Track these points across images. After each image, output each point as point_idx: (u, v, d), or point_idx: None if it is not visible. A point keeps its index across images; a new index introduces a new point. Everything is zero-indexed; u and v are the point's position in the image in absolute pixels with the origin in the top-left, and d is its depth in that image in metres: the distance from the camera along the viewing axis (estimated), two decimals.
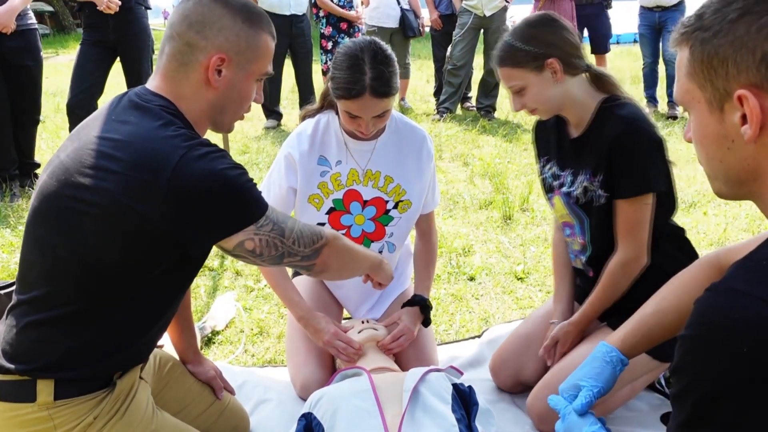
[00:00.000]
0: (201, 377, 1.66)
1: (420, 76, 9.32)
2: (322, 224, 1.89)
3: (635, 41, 9.32)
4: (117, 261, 1.17)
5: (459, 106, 6.65)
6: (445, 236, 3.22)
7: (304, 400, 1.64)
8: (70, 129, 4.09)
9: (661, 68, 6.11)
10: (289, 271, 2.08)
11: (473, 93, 6.83)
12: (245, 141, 5.50)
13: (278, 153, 1.91)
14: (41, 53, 3.86)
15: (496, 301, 2.61)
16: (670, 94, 6.17)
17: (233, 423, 1.70)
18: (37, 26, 3.84)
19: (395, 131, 1.91)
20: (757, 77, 0.76)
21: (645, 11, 6.00)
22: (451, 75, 6.17)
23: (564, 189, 1.78)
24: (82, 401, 1.22)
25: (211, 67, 1.24)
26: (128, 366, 1.31)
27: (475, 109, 6.59)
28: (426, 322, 1.95)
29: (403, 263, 2.15)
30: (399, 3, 6.30)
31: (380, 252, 1.94)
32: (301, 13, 5.86)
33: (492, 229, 3.36)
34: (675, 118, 5.92)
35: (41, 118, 4.34)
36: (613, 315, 1.75)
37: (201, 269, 1.45)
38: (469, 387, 1.55)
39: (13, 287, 1.41)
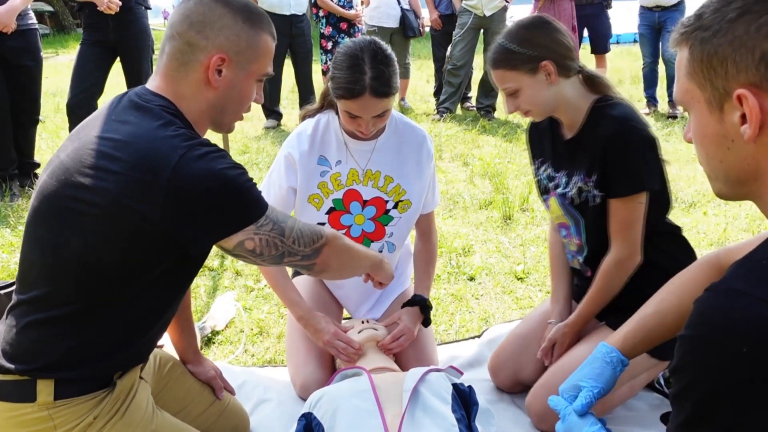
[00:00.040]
0: (201, 377, 1.66)
1: (420, 76, 9.32)
2: (322, 224, 1.89)
3: (635, 41, 9.32)
4: (117, 261, 1.17)
5: (459, 106, 6.65)
6: (445, 236, 3.22)
7: (304, 400, 1.64)
8: (70, 129, 4.09)
9: (661, 68, 6.11)
10: (289, 271, 2.08)
11: (473, 93, 6.83)
12: (245, 141, 5.50)
13: (278, 153, 1.91)
14: (41, 53, 3.86)
15: (495, 301, 2.61)
16: (670, 94, 6.17)
17: (233, 423, 1.70)
18: (37, 26, 3.84)
19: (395, 131, 1.91)
20: (757, 76, 0.76)
21: (645, 11, 6.00)
22: (451, 75, 6.18)
23: (559, 190, 1.79)
24: (82, 401, 1.22)
25: (212, 67, 1.24)
26: (128, 366, 1.31)
27: (475, 109, 6.59)
28: (426, 322, 1.95)
29: (403, 263, 2.15)
30: (399, 3, 6.30)
31: (380, 252, 1.94)
32: (301, 13, 5.86)
33: (492, 229, 3.36)
34: (675, 117, 5.92)
35: (41, 117, 4.35)
36: (611, 313, 1.77)
37: (201, 269, 1.46)
38: (469, 387, 1.55)
39: (13, 287, 1.41)
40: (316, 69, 6.55)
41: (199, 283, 2.76)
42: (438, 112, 6.26)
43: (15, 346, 1.21)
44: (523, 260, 2.96)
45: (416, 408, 1.43)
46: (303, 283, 2.06)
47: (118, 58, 4.08)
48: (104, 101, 1.39)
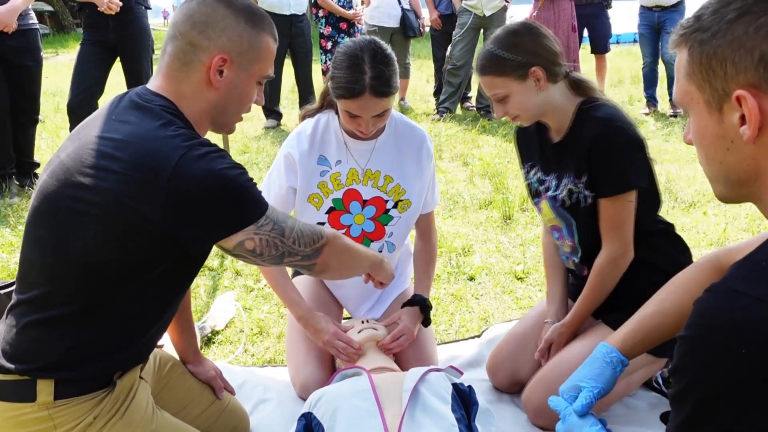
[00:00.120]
0: (201, 377, 1.66)
1: (420, 76, 9.32)
2: (322, 224, 1.89)
3: (635, 41, 9.33)
4: (117, 261, 1.17)
5: (459, 105, 6.65)
6: (444, 236, 3.22)
7: (304, 399, 1.64)
8: (71, 129, 4.10)
9: (661, 68, 6.12)
10: (289, 270, 2.08)
11: (473, 93, 6.82)
12: (245, 141, 5.50)
13: (278, 153, 1.91)
14: (41, 53, 3.87)
15: (495, 300, 2.61)
16: (671, 93, 6.18)
17: (233, 423, 1.70)
18: (38, 26, 3.85)
19: (395, 131, 1.91)
20: (756, 77, 0.76)
21: (645, 11, 6.01)
22: (450, 75, 6.18)
23: (549, 193, 1.80)
24: (82, 401, 1.22)
25: (213, 68, 1.24)
26: (128, 366, 1.31)
27: (474, 108, 6.59)
28: (426, 321, 1.95)
29: (403, 263, 2.15)
30: (400, 3, 6.30)
31: (380, 251, 1.94)
32: (300, 13, 5.86)
33: (492, 229, 3.36)
34: (676, 116, 5.92)
35: (41, 117, 4.35)
36: (606, 311, 1.78)
37: (201, 269, 1.46)
38: (469, 387, 1.55)
39: (13, 287, 1.41)
40: (316, 69, 6.55)
41: (199, 283, 2.76)
42: (438, 112, 6.26)
43: (15, 346, 1.21)
44: (523, 260, 2.96)
45: (416, 408, 1.43)
46: (303, 283, 2.06)
47: (118, 58, 4.08)
48: (104, 101, 1.39)
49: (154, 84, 1.28)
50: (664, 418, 1.82)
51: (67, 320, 1.19)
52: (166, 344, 1.74)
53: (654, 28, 5.97)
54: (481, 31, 6.10)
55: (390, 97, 1.69)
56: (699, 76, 0.82)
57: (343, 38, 6.09)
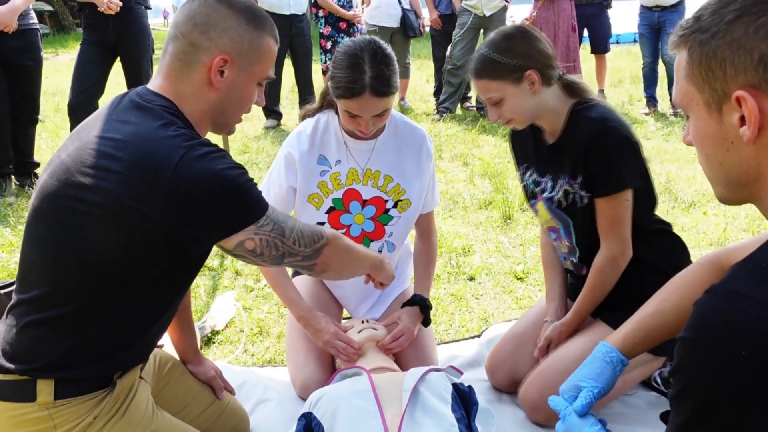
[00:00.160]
0: (201, 377, 1.66)
1: (420, 76, 9.32)
2: (322, 223, 1.89)
3: (635, 41, 9.32)
4: (117, 261, 1.18)
5: (459, 105, 6.65)
6: (444, 236, 3.22)
7: (304, 399, 1.64)
8: (71, 129, 4.10)
9: (661, 68, 6.12)
10: (289, 270, 2.08)
11: (473, 93, 6.82)
12: (245, 141, 5.50)
13: (278, 153, 1.91)
14: (41, 53, 3.87)
15: (495, 300, 2.61)
16: (671, 93, 6.18)
17: (233, 423, 1.70)
18: (38, 26, 3.85)
19: (395, 131, 1.91)
20: (755, 78, 0.76)
21: (645, 10, 6.01)
22: (450, 75, 6.18)
23: (545, 195, 1.81)
24: (82, 401, 1.22)
25: (214, 68, 1.24)
26: (128, 366, 1.31)
27: (474, 108, 6.59)
28: (426, 321, 1.95)
29: (403, 263, 2.15)
30: (400, 3, 6.30)
31: (380, 251, 1.94)
32: (300, 13, 5.86)
33: (492, 229, 3.36)
34: (676, 115, 5.93)
35: (41, 117, 4.35)
36: (604, 309, 1.79)
37: (201, 269, 1.46)
38: (469, 387, 1.55)
39: (13, 287, 1.41)
40: (316, 69, 6.55)
41: (199, 283, 2.76)
42: (438, 112, 6.26)
43: (15, 346, 1.21)
44: (523, 260, 2.96)
45: (416, 408, 1.43)
46: (303, 282, 2.06)
47: (119, 58, 4.08)
48: (105, 101, 1.39)
49: (154, 84, 1.28)
50: (663, 417, 1.82)
51: (67, 320, 1.19)
52: (166, 344, 1.74)
53: (654, 28, 5.97)
54: (481, 31, 6.10)
55: (390, 96, 1.69)
56: (698, 77, 0.82)
57: (342, 38, 6.09)
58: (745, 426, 0.71)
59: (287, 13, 5.74)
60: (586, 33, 6.32)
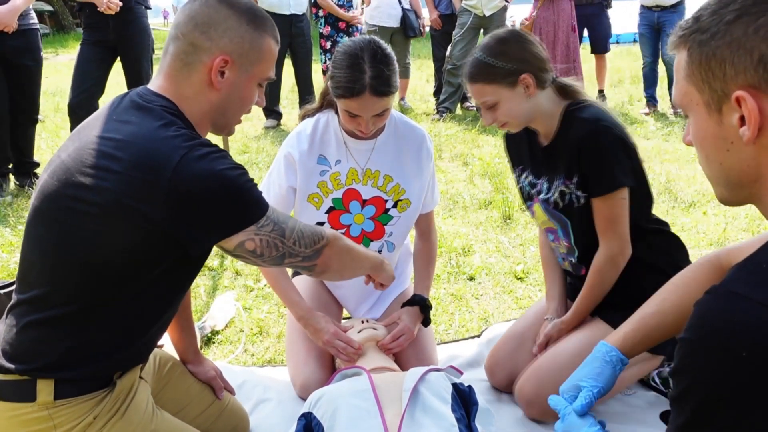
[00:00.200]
0: (201, 377, 1.66)
1: (420, 76, 9.32)
2: (322, 223, 1.89)
3: (635, 41, 9.33)
4: (117, 261, 1.18)
5: (459, 105, 6.65)
6: (444, 236, 3.22)
7: (304, 399, 1.64)
8: (71, 129, 4.10)
9: (661, 68, 6.12)
10: (289, 270, 2.09)
11: None
12: (245, 141, 5.50)
13: (278, 152, 1.91)
14: (41, 53, 3.87)
15: (495, 300, 2.61)
16: (671, 93, 6.18)
17: (233, 423, 1.70)
18: (38, 26, 3.85)
19: (395, 130, 1.91)
20: (755, 78, 0.76)
21: (645, 10, 6.01)
22: (450, 75, 6.18)
23: (542, 196, 1.82)
24: (82, 401, 1.22)
25: (215, 69, 1.24)
26: (128, 366, 1.31)
27: (474, 108, 6.58)
28: (426, 321, 1.95)
29: (403, 263, 2.15)
30: (400, 3, 6.30)
31: (379, 251, 1.94)
32: (300, 13, 5.86)
33: (492, 229, 3.36)
34: (676, 115, 5.93)
35: (41, 117, 4.35)
36: (604, 309, 1.80)
37: (201, 269, 1.46)
38: (469, 387, 1.55)
39: (13, 287, 1.41)
40: (316, 69, 6.55)
41: (199, 283, 2.76)
42: (438, 112, 6.26)
43: (15, 346, 1.21)
44: (523, 260, 2.96)
45: (416, 408, 1.43)
46: (303, 283, 2.06)
47: (119, 58, 4.08)
48: (105, 101, 1.39)
49: (155, 84, 1.28)
50: (663, 417, 1.82)
51: (67, 320, 1.19)
52: (166, 344, 1.74)
53: (654, 28, 5.98)
54: (481, 31, 6.10)
55: (390, 96, 1.70)
56: (698, 78, 0.82)
57: (342, 38, 6.09)
58: (745, 427, 0.71)
59: (287, 13, 5.74)
60: (586, 33, 6.32)
